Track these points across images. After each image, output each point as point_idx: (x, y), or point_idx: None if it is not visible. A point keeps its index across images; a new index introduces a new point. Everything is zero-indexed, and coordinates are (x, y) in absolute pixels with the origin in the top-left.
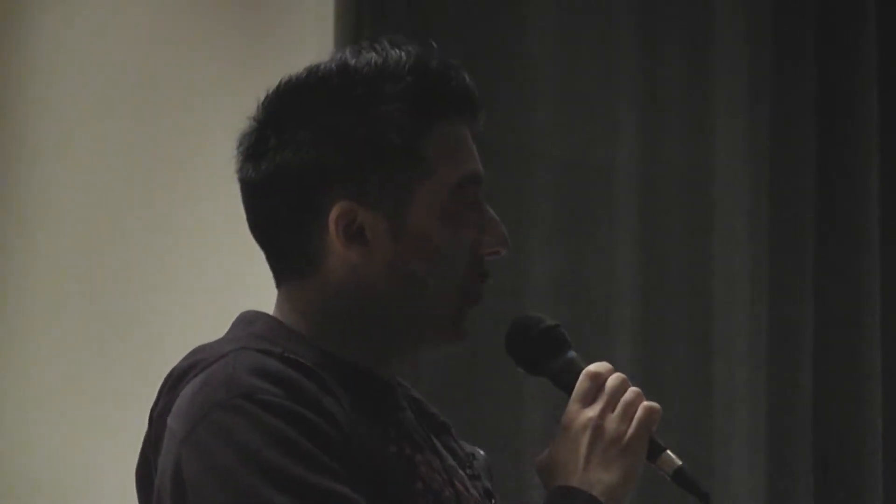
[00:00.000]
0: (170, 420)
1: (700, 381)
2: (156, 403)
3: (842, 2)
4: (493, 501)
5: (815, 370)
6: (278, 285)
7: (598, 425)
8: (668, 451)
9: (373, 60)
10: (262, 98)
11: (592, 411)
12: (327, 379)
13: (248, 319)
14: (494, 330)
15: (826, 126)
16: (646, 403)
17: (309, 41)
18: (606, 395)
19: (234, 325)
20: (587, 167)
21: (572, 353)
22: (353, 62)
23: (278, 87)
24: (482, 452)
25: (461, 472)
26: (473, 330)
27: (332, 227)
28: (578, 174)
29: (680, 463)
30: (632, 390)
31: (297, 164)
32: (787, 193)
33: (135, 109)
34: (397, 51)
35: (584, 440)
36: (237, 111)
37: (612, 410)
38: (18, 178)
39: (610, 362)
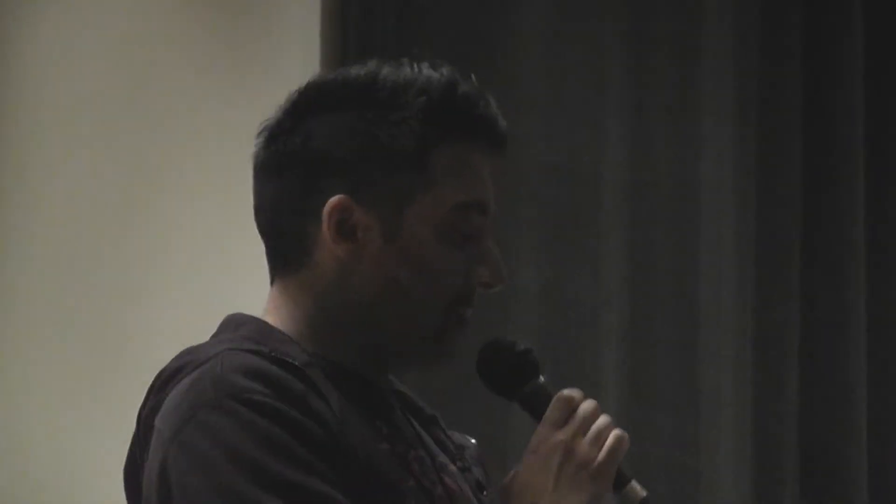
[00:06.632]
0: (157, 420)
1: (687, 387)
2: (144, 404)
3: (829, 10)
4: (484, 493)
5: (801, 377)
6: (272, 282)
7: (569, 448)
8: (634, 482)
9: (404, 73)
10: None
11: (564, 434)
12: (316, 378)
13: (236, 322)
14: (479, 338)
15: (812, 133)
16: (617, 431)
17: (295, 47)
18: (579, 419)
19: (220, 327)
20: (574, 174)
21: (543, 379)
22: (384, 71)
23: (307, 82)
24: (473, 441)
25: (451, 466)
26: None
27: (324, 217)
28: (565, 181)
29: (644, 494)
30: (604, 417)
31: (306, 149)
32: (773, 200)
33: (125, 116)
34: (432, 70)
35: (555, 461)
36: (227, 115)
37: (584, 435)
38: (10, 184)
39: (597, 369)
